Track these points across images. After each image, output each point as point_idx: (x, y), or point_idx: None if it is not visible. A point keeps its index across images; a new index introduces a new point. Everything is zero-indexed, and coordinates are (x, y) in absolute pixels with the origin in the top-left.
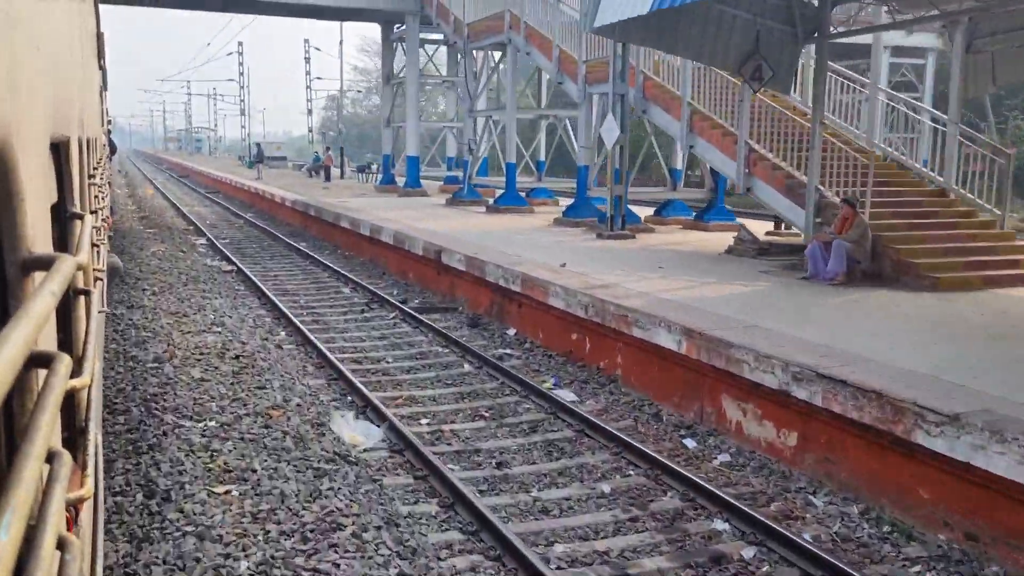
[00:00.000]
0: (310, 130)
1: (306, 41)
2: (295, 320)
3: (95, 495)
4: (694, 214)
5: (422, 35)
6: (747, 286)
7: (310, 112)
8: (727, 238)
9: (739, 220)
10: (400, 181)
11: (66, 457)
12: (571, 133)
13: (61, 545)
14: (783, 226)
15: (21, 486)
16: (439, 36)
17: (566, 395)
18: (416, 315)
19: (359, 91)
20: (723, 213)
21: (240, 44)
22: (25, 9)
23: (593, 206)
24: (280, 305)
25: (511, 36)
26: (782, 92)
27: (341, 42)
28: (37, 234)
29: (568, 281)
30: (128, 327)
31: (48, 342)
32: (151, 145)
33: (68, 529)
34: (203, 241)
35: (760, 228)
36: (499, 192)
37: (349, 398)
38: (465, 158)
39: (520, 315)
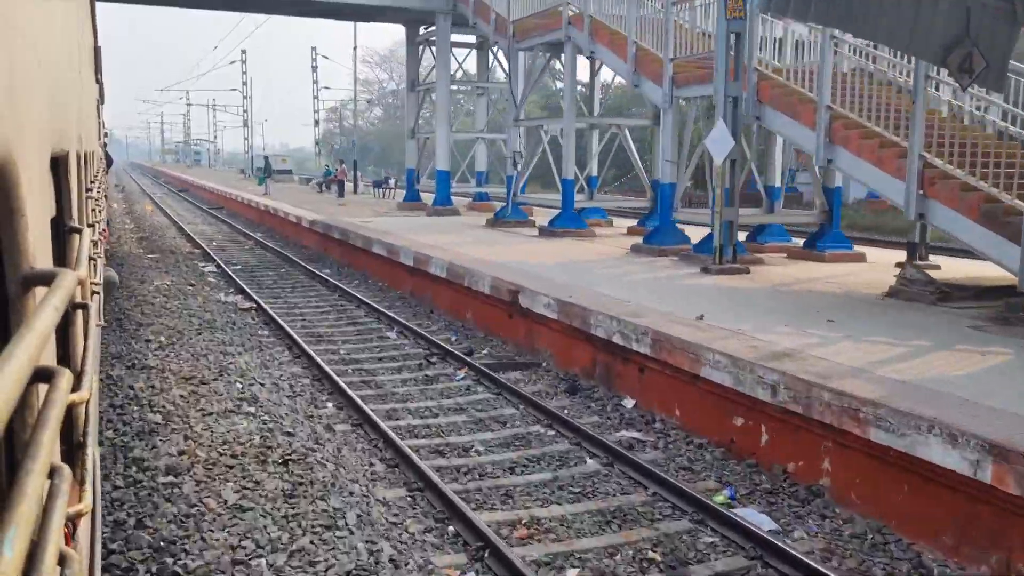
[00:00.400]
0: (317, 142)
1: (313, 49)
2: (341, 383)
3: (93, 509)
4: (793, 239)
5: (451, 37)
6: (981, 353)
7: (317, 123)
8: (857, 271)
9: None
10: (426, 198)
11: (66, 472)
12: (630, 145)
13: (61, 560)
14: (918, 257)
15: (24, 502)
16: (469, 39)
17: (758, 519)
18: (491, 374)
19: (367, 101)
20: (839, 240)
21: (244, 52)
22: (25, 24)
23: (680, 231)
24: (319, 360)
25: (571, 33)
26: (995, 89)
27: (355, 48)
28: (38, 249)
29: (729, 345)
30: (128, 402)
31: (49, 357)
32: (148, 158)
33: (67, 543)
34: (212, 268)
35: (884, 257)
36: (542, 212)
37: (450, 527)
38: (509, 173)
39: (643, 383)
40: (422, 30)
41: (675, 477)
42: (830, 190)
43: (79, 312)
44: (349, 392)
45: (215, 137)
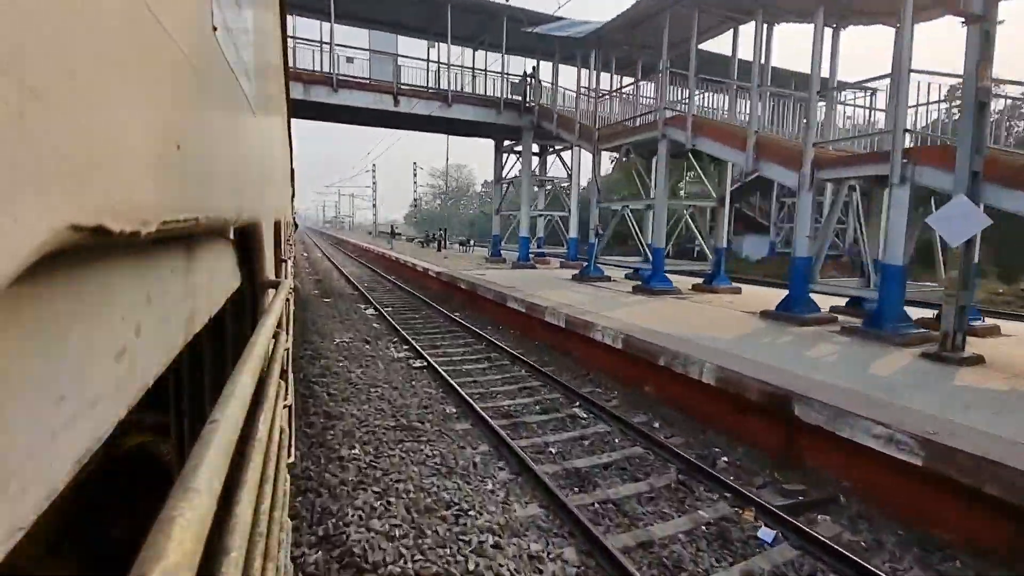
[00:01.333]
0: (414, 217)
1: (415, 163)
2: (623, 561)
3: (293, 405)
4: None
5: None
6: None
7: (415, 205)
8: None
9: None
10: (504, 255)
11: (283, 383)
12: (691, 220)
13: (281, 431)
14: None
15: (269, 396)
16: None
17: None
18: (806, 530)
19: (434, 196)
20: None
21: (374, 166)
22: (269, 162)
23: (812, 301)
24: (556, 492)
25: (667, 131)
26: None
27: (447, 159)
28: (269, 268)
29: None
30: None
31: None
32: (316, 224)
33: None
34: (372, 311)
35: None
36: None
37: None
38: (592, 241)
39: None
40: (505, 142)
41: None
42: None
43: (286, 302)
44: None
45: (352, 214)
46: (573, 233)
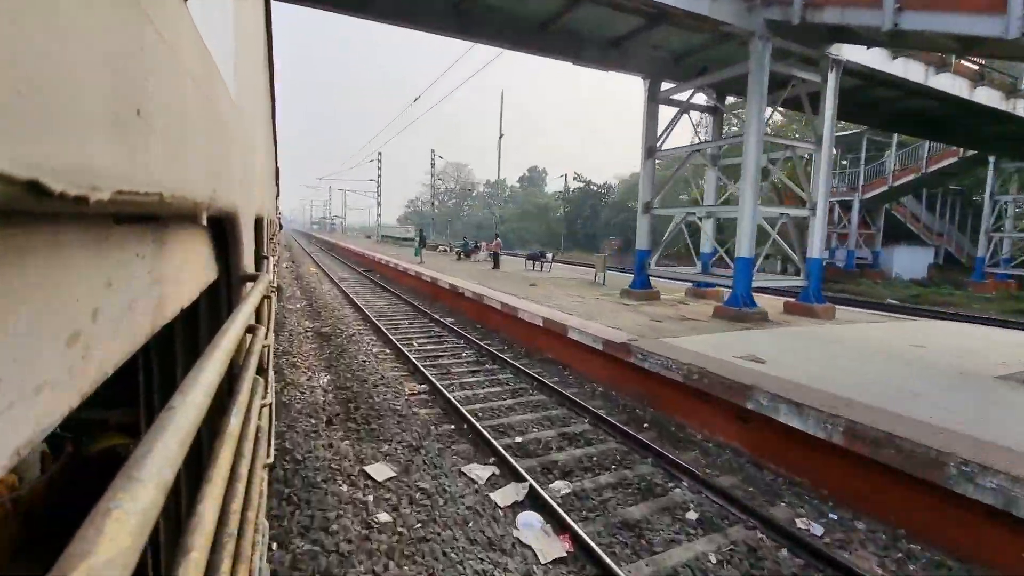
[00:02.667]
0: (432, 219)
1: (432, 150)
2: None
3: (271, 403)
4: None
5: (677, 95)
6: None
7: (433, 205)
8: None
9: None
10: (651, 283)
11: (260, 381)
12: None
13: (258, 430)
14: None
15: (242, 393)
16: (684, 99)
17: None
18: None
19: (430, 197)
20: None
21: (379, 154)
22: (254, 163)
23: None
24: None
25: None
26: None
27: (500, 136)
28: (248, 262)
29: None
30: None
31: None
32: (303, 226)
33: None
34: (513, 491)
35: None
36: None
37: None
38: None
39: None
40: (664, 85)
41: None
42: None
43: (267, 299)
44: None
45: (344, 216)
46: (818, 245)
